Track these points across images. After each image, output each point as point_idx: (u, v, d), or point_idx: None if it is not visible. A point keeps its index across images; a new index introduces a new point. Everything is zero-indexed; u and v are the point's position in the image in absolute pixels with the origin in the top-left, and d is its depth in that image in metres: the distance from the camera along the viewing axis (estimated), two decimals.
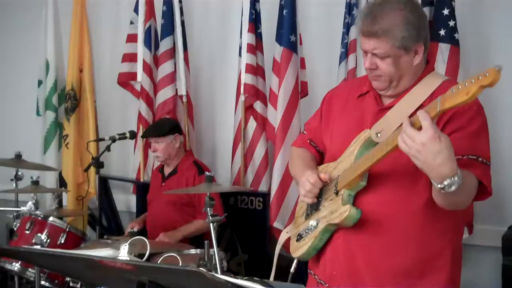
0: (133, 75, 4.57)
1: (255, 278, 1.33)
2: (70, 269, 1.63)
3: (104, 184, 4.50)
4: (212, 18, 4.65)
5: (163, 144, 3.87)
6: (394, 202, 1.93)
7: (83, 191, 4.57)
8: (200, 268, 1.28)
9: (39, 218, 3.39)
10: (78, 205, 4.54)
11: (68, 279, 3.38)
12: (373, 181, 1.94)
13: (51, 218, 3.39)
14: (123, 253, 1.43)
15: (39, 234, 3.21)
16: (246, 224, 4.06)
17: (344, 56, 3.75)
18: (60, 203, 3.91)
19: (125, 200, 4.87)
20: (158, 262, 2.23)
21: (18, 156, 3.90)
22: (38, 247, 3.15)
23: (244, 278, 1.27)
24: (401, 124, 1.70)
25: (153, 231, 3.86)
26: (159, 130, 3.90)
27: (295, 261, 2.17)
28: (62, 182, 4.61)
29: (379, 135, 1.88)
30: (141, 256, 2.36)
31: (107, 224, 4.59)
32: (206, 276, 1.24)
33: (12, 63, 5.49)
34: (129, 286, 1.64)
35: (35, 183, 3.55)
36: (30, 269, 3.24)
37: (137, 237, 1.63)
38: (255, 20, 4.08)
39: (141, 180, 4.51)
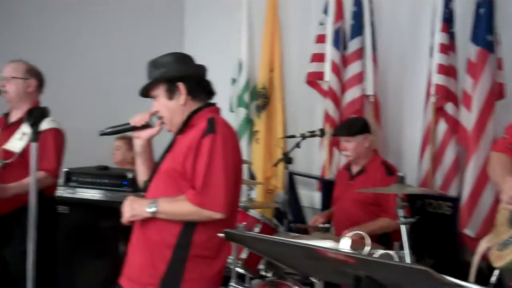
0: (321, 75, 4.69)
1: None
2: (287, 257, 1.74)
3: (290, 179, 4.66)
4: (402, 18, 4.61)
5: (353, 143, 3.92)
6: None
7: (270, 185, 4.78)
8: (428, 268, 1.29)
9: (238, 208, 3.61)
10: (267, 198, 4.76)
11: (260, 267, 3.58)
12: None
13: (248, 209, 3.60)
14: (345, 245, 1.50)
15: (236, 223, 3.41)
16: (433, 229, 3.98)
17: None
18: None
19: (308, 196, 5.01)
20: (376, 257, 2.24)
21: None
22: None
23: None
24: None
25: (338, 227, 3.94)
26: (350, 129, 3.95)
27: (496, 272, 2.10)
28: (251, 175, 4.87)
29: None
30: None
31: (293, 218, 4.76)
32: (434, 276, 1.26)
33: (207, 62, 5.85)
34: (343, 279, 1.71)
35: None
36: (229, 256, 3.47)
37: (355, 232, 1.69)
38: (448, 19, 3.98)
39: (326, 177, 4.62)
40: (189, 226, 2.44)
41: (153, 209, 2.40)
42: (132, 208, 2.44)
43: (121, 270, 2.61)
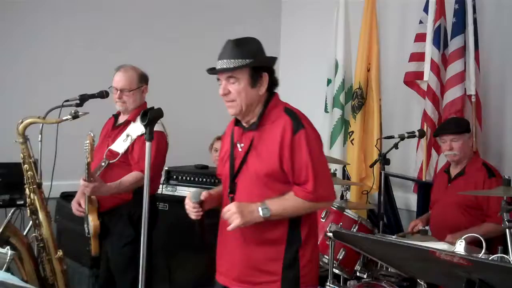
0: (419, 75, 4.59)
1: None
2: (394, 258, 1.72)
3: (386, 181, 4.59)
4: (506, 15, 4.43)
5: (460, 142, 3.81)
6: None
7: (365, 186, 4.72)
8: None
9: (334, 208, 3.61)
10: (361, 200, 4.71)
11: (356, 268, 3.56)
12: None
13: (345, 209, 3.59)
14: (459, 248, 1.47)
15: (333, 223, 3.42)
16: None
17: None
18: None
19: (404, 199, 4.91)
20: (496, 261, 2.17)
21: None
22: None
23: None
24: None
25: (437, 231, 3.85)
26: (457, 127, 3.84)
27: None
28: (346, 176, 4.84)
29: None
30: None
31: (387, 220, 4.68)
32: None
33: (303, 62, 5.90)
34: (452, 282, 1.67)
35: (333, 175, 3.78)
36: (323, 255, 3.47)
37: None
38: None
39: (423, 179, 4.51)
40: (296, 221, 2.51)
41: (267, 215, 2.42)
42: (243, 216, 2.40)
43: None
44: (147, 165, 2.33)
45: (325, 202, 2.48)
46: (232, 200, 2.53)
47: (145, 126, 2.35)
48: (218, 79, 2.55)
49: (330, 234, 3.14)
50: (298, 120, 2.49)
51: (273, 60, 2.62)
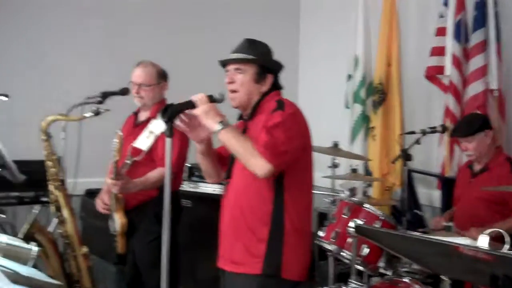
0: (441, 69, 4.55)
1: None
2: (418, 254, 1.72)
3: (409, 177, 4.56)
4: None
5: (474, 142, 3.78)
6: None
7: (388, 182, 4.70)
8: None
9: (356, 204, 3.60)
10: (384, 196, 4.69)
11: (380, 265, 3.54)
12: None
13: (367, 205, 3.57)
14: (483, 243, 1.46)
15: (356, 219, 3.40)
16: None
17: None
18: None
19: (427, 195, 4.88)
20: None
21: (335, 145, 4.20)
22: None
23: None
24: None
25: (461, 227, 3.81)
26: (469, 129, 3.80)
27: None
28: (367, 172, 4.82)
29: None
30: None
31: (410, 217, 4.65)
32: None
33: (323, 58, 5.89)
34: (477, 278, 1.66)
35: (354, 171, 3.77)
36: (346, 251, 3.46)
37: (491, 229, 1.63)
38: None
39: (446, 175, 4.48)
40: (279, 204, 2.63)
41: (218, 128, 2.51)
42: (207, 114, 2.52)
43: None
44: (167, 161, 2.36)
45: (262, 159, 2.49)
46: (228, 184, 2.77)
47: (166, 122, 2.38)
48: (227, 71, 2.75)
49: (352, 230, 3.13)
50: (282, 105, 2.65)
51: (279, 65, 2.80)
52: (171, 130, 2.37)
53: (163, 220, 2.40)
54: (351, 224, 3.37)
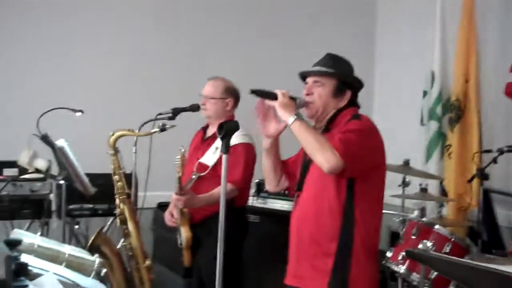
0: None
1: None
2: (477, 283, 1.63)
3: (486, 197, 4.37)
4: None
5: None
6: None
7: (464, 202, 4.52)
8: None
9: (425, 225, 3.48)
10: (459, 216, 4.51)
11: None
12: None
13: (437, 226, 3.44)
14: None
15: (425, 241, 3.29)
16: None
17: None
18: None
19: (507, 216, 4.65)
20: None
21: (406, 163, 4.09)
22: None
23: None
24: None
25: None
26: None
27: None
28: (442, 191, 4.65)
29: None
30: None
31: (487, 238, 4.45)
32: None
33: (398, 74, 5.77)
34: None
35: (424, 190, 3.65)
36: (415, 273, 3.35)
37: None
38: None
39: None
40: (349, 220, 2.60)
41: (292, 119, 2.52)
42: (284, 105, 2.56)
43: None
44: (223, 177, 2.39)
45: (335, 152, 2.45)
46: (298, 197, 2.74)
47: (221, 139, 2.41)
48: (306, 83, 2.77)
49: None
50: (359, 116, 2.66)
51: (359, 82, 2.80)
52: (227, 147, 2.39)
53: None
54: (421, 245, 3.27)
